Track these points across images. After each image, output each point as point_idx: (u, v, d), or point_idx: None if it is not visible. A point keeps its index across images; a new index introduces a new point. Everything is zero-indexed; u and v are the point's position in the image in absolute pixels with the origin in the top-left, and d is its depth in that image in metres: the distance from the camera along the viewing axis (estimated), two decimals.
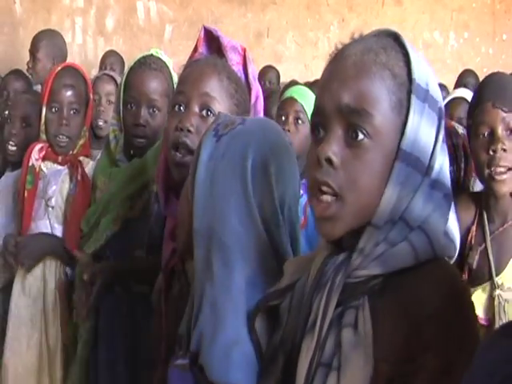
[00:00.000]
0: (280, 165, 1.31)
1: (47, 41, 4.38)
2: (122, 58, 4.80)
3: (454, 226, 1.09)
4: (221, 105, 1.61)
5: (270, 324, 1.17)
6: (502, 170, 2.00)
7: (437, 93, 1.08)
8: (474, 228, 2.08)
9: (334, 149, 1.03)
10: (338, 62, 1.07)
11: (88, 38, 5.84)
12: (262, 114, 1.81)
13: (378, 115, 1.03)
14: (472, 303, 1.05)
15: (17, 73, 4.19)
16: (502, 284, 2.04)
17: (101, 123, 3.49)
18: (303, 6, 6.38)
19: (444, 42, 6.80)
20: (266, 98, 2.79)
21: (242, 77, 1.77)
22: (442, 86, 4.43)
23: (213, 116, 1.60)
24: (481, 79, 2.42)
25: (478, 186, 2.29)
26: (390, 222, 1.04)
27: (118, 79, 3.32)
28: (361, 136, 1.03)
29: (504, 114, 2.00)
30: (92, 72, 4.71)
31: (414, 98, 1.04)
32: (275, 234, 1.29)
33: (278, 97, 4.19)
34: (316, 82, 4.80)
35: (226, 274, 1.24)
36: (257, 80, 1.84)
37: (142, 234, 2.19)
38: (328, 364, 1.02)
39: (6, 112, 3.78)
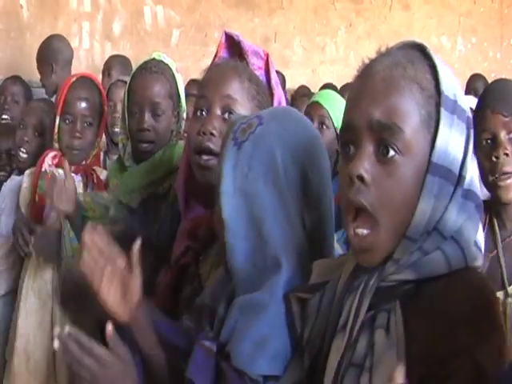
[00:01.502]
0: (311, 159, 1.30)
1: (43, 50, 4.41)
2: (124, 62, 4.75)
3: (480, 235, 1.12)
4: (243, 107, 1.59)
5: (302, 317, 1.18)
6: (506, 175, 1.95)
7: (464, 103, 1.10)
8: (483, 235, 2.03)
9: (365, 166, 1.04)
10: (367, 78, 1.08)
11: (95, 43, 5.82)
12: None
13: (408, 130, 1.04)
14: (499, 311, 1.07)
15: (15, 77, 4.23)
16: None
17: (117, 129, 3.46)
18: (310, 10, 6.36)
19: (452, 47, 6.79)
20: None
21: (264, 81, 1.75)
22: None
23: None
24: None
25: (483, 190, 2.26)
26: (424, 233, 1.06)
27: None
28: (392, 152, 1.04)
29: (505, 119, 1.95)
30: (99, 77, 4.69)
31: (443, 111, 1.05)
32: (318, 236, 1.30)
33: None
34: (325, 86, 4.79)
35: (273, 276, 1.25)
36: (279, 86, 1.81)
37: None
38: (360, 365, 1.03)
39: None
